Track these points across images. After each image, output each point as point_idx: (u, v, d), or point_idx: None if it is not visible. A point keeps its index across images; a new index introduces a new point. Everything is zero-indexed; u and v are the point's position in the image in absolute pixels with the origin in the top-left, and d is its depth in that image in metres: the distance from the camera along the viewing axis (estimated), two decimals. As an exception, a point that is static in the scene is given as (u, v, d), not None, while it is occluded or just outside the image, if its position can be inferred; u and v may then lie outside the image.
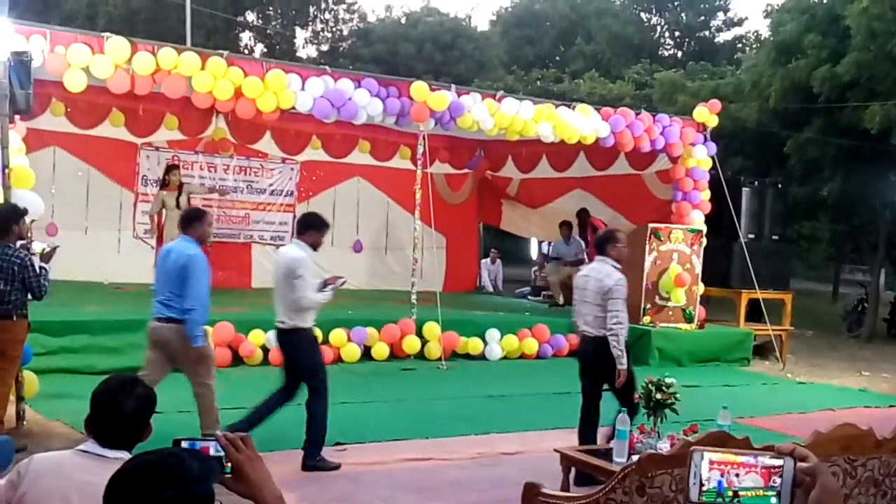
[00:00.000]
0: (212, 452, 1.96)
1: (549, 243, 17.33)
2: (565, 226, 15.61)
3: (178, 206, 12.83)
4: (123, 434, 2.91)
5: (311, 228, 7.26)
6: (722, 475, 1.53)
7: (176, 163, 14.05)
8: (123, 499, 1.77)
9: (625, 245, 7.48)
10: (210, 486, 1.79)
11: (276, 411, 7.32)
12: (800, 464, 1.52)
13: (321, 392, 7.25)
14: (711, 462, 1.53)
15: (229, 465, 1.96)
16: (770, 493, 1.52)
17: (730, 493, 1.52)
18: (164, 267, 7.08)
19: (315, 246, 7.19)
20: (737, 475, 1.52)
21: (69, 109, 13.50)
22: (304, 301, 7.03)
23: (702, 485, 1.53)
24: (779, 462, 1.52)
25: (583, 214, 15.43)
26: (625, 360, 7.04)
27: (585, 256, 15.13)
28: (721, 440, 3.84)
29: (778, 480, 1.52)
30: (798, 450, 1.54)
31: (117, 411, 2.92)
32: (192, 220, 7.18)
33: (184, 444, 1.96)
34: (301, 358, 7.28)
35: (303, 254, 7.07)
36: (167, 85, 10.65)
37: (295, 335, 7.18)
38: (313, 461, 7.12)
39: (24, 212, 7.46)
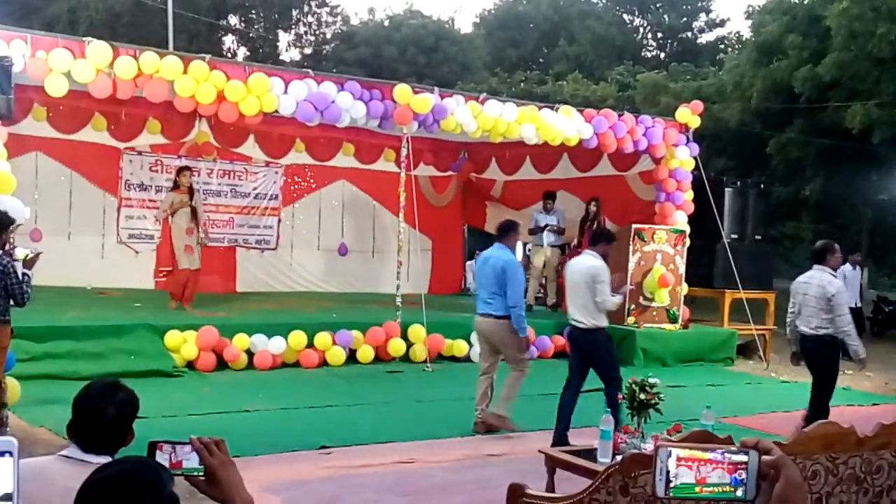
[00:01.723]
0: (186, 457, 1.99)
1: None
2: (549, 197, 15.33)
3: (192, 207, 12.57)
4: (106, 439, 2.90)
5: (603, 241, 8.38)
6: (690, 471, 1.54)
7: (188, 165, 13.69)
8: None
9: (840, 255, 8.56)
10: (174, 493, 1.83)
11: (573, 406, 8.06)
12: (764, 457, 1.54)
13: (618, 383, 7.78)
14: (679, 458, 1.54)
15: (203, 467, 1.99)
16: (738, 488, 1.54)
17: (697, 489, 1.54)
18: (484, 271, 8.45)
19: (605, 256, 8.26)
20: (706, 471, 1.54)
21: (51, 114, 13.44)
22: (609, 303, 8.02)
23: (669, 481, 1.54)
24: (744, 457, 1.54)
25: (598, 204, 14.72)
26: (863, 352, 8.35)
27: (565, 227, 15.00)
28: (704, 440, 3.86)
29: (743, 474, 1.54)
30: (762, 443, 1.56)
31: (99, 416, 2.91)
32: (508, 231, 8.54)
33: (165, 447, 1.98)
34: (601, 353, 8.16)
35: (601, 262, 8.05)
36: (149, 89, 10.61)
37: (596, 333, 8.10)
38: None
39: (12, 221, 7.44)
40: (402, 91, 11.97)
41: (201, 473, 2.00)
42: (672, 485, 1.54)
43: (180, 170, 13.03)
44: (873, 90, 17.24)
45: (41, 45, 10.01)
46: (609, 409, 7.35)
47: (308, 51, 40.45)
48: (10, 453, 1.64)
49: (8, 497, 1.62)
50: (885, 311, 20.90)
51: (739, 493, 1.54)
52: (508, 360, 8.59)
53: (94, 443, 2.88)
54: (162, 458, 1.98)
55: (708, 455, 1.55)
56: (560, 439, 7.66)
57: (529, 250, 16.14)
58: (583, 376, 8.16)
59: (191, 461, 2.00)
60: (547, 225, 15.04)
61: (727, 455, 1.54)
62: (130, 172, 14.86)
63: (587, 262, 8.06)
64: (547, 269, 15.43)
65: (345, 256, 16.88)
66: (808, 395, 11.56)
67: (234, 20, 38.53)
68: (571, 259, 8.36)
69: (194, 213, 12.60)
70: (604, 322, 8.12)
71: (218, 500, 2.02)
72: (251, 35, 38.83)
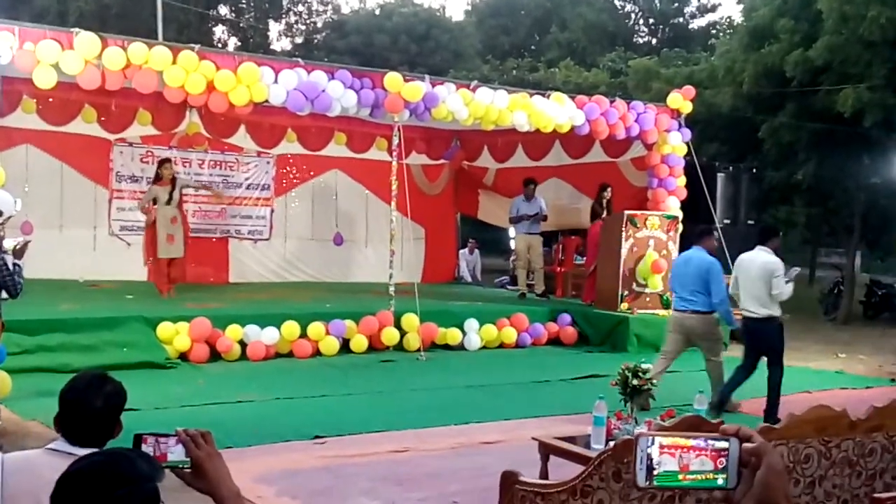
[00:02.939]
0: (171, 449, 1.98)
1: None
2: (530, 184, 15.19)
3: (170, 200, 12.65)
4: (93, 432, 2.88)
5: (773, 236, 9.21)
6: (673, 459, 1.53)
7: (168, 157, 13.75)
8: (74, 497, 1.76)
9: None
10: (157, 486, 1.80)
11: (741, 384, 9.14)
12: (745, 444, 1.53)
13: (780, 369, 9.00)
14: (662, 446, 1.53)
15: (189, 459, 1.97)
16: (719, 475, 1.53)
17: (680, 477, 1.53)
18: (686, 270, 9.24)
19: (776, 250, 9.02)
20: (689, 459, 1.53)
21: (40, 106, 13.38)
22: (785, 294, 8.78)
23: (652, 469, 1.53)
24: (725, 444, 1.53)
25: (611, 191, 14.81)
26: None
27: (547, 214, 15.07)
28: (696, 425, 3.85)
29: (724, 461, 1.53)
30: (743, 430, 1.55)
31: (86, 409, 2.89)
32: (705, 235, 9.50)
33: (149, 440, 1.97)
34: (772, 341, 9.01)
35: (775, 258, 8.87)
36: (138, 80, 10.56)
37: (769, 322, 8.92)
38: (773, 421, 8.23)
39: (0, 213, 7.39)
40: (392, 79, 11.92)
41: (187, 466, 1.99)
42: (656, 473, 1.53)
43: (161, 161, 13.06)
44: (865, 74, 17.21)
45: (29, 36, 9.95)
46: (769, 390, 8.79)
47: (299, 40, 40.34)
48: None
49: None
50: (879, 295, 20.94)
51: (720, 480, 1.53)
52: (706, 352, 9.45)
53: (81, 435, 2.87)
54: (146, 450, 1.96)
55: (691, 442, 1.53)
56: (720, 401, 8.85)
57: (513, 239, 16.07)
58: (756, 361, 9.13)
59: (175, 453, 1.98)
60: (537, 214, 15.00)
61: (710, 442, 1.53)
62: (121, 164, 14.82)
63: (762, 258, 8.85)
64: (533, 256, 15.33)
65: (340, 246, 16.85)
66: (799, 380, 11.66)
67: (224, 10, 38.37)
68: (743, 255, 9.22)
69: (179, 203, 12.83)
70: (777, 311, 8.93)
71: (204, 492, 2.01)
72: (241, 25, 38.68)
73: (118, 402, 2.98)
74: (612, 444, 4.11)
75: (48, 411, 7.18)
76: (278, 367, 10.91)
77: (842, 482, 4.15)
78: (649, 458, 1.53)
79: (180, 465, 1.99)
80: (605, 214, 14.41)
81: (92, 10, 32.00)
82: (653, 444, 1.53)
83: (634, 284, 13.29)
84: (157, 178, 12.81)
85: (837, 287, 21.08)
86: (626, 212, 13.36)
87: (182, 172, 14.98)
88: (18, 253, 7.34)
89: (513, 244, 16.94)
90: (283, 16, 40.44)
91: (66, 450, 2.83)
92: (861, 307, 20.98)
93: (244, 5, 38.80)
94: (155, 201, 12.65)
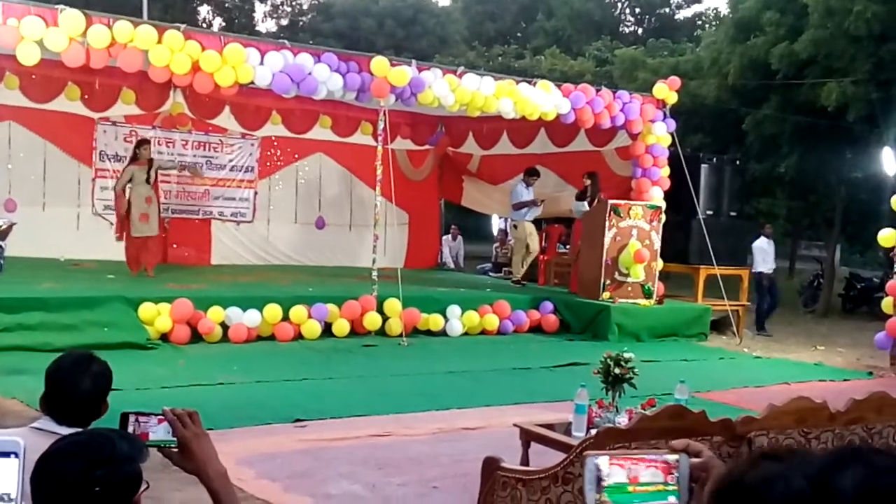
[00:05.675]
0: (153, 429, 1.98)
1: (506, 220, 17.07)
2: (534, 173, 15.13)
3: (147, 181, 12.66)
4: (79, 411, 2.88)
5: None
6: (622, 470, 1.51)
7: (147, 138, 13.73)
8: (53, 478, 1.76)
9: None
10: (138, 467, 1.80)
11: None
12: (693, 459, 1.52)
13: None
14: (611, 458, 1.51)
15: (176, 439, 1.97)
16: (670, 487, 1.52)
17: (630, 489, 1.51)
18: None
19: None
20: (638, 470, 1.51)
21: (24, 83, 13.26)
22: None
23: (601, 481, 1.51)
24: (675, 457, 1.52)
25: (595, 178, 14.72)
26: None
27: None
28: (678, 414, 3.88)
29: (675, 478, 1.52)
30: (692, 445, 1.53)
31: (73, 388, 2.88)
32: None
33: (131, 418, 1.97)
34: None
35: None
36: (123, 58, 10.48)
37: None
38: None
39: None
40: (379, 63, 11.88)
41: (174, 445, 1.99)
42: (604, 484, 1.51)
43: (140, 142, 13.06)
44: (849, 68, 17.30)
45: (12, 12, 9.86)
46: None
47: (284, 22, 40.12)
48: (16, 454, 1.54)
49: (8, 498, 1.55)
50: (857, 288, 21.10)
51: (672, 498, 1.52)
52: None
53: (67, 415, 2.86)
54: (129, 429, 1.96)
55: (639, 455, 1.52)
56: None
57: (514, 226, 16.00)
58: None
59: (157, 433, 1.98)
60: (544, 200, 14.97)
61: (659, 455, 1.52)
62: (105, 143, 14.72)
63: None
64: (531, 243, 15.32)
65: (322, 230, 16.84)
66: (778, 371, 11.75)
67: (209, -10, 38.11)
68: None
69: (155, 183, 12.89)
70: None
71: (191, 472, 2.01)
72: (227, 5, 38.43)
73: (105, 383, 2.98)
74: (593, 432, 4.13)
75: (27, 390, 7.19)
76: (260, 349, 10.89)
77: (820, 473, 4.17)
78: (598, 469, 1.51)
79: (165, 445, 1.99)
80: (588, 201, 14.41)
81: (76, -13, 31.70)
82: (599, 459, 1.51)
83: (616, 273, 13.33)
84: (134, 158, 12.78)
85: (817, 280, 21.24)
86: (610, 201, 13.38)
87: (166, 153, 14.93)
88: (2, 235, 7.31)
89: (495, 229, 16.91)
90: (269, -3, 40.21)
91: (51, 429, 2.82)
92: (840, 300, 21.14)
93: (230, -15, 38.55)
94: (131, 181, 12.63)
